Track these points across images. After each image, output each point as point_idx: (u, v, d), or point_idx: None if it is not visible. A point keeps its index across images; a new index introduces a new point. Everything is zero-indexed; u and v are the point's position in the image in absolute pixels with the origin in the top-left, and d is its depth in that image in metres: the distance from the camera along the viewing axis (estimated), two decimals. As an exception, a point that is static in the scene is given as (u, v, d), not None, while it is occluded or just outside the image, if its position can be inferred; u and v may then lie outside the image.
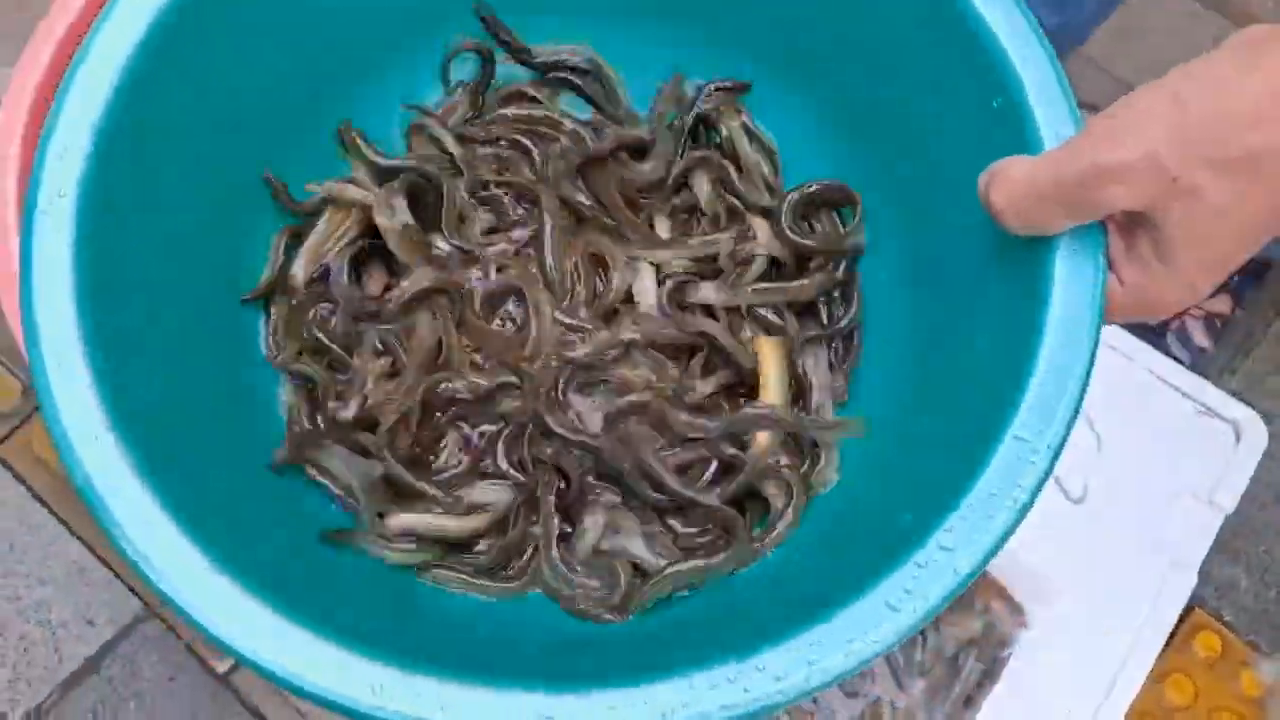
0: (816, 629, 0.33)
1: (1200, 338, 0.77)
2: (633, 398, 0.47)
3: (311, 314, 0.49)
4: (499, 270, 0.50)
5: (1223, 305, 0.76)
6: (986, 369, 0.40)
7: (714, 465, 0.47)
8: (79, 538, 0.90)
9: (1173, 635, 0.69)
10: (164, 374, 0.41)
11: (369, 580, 0.42)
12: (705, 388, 0.48)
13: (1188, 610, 0.70)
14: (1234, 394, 0.71)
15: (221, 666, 0.87)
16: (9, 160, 0.68)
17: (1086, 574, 0.67)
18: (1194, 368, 0.74)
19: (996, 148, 0.40)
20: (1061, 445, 0.36)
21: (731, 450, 0.46)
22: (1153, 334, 0.74)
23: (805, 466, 0.47)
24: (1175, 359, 0.73)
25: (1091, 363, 0.37)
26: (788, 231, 0.51)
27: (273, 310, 0.49)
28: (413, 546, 0.44)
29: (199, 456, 0.40)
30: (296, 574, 0.38)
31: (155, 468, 0.36)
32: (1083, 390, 0.37)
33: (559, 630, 0.42)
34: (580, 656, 0.39)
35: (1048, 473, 0.36)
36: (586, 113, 0.56)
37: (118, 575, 0.90)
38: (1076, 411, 0.37)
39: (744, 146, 0.54)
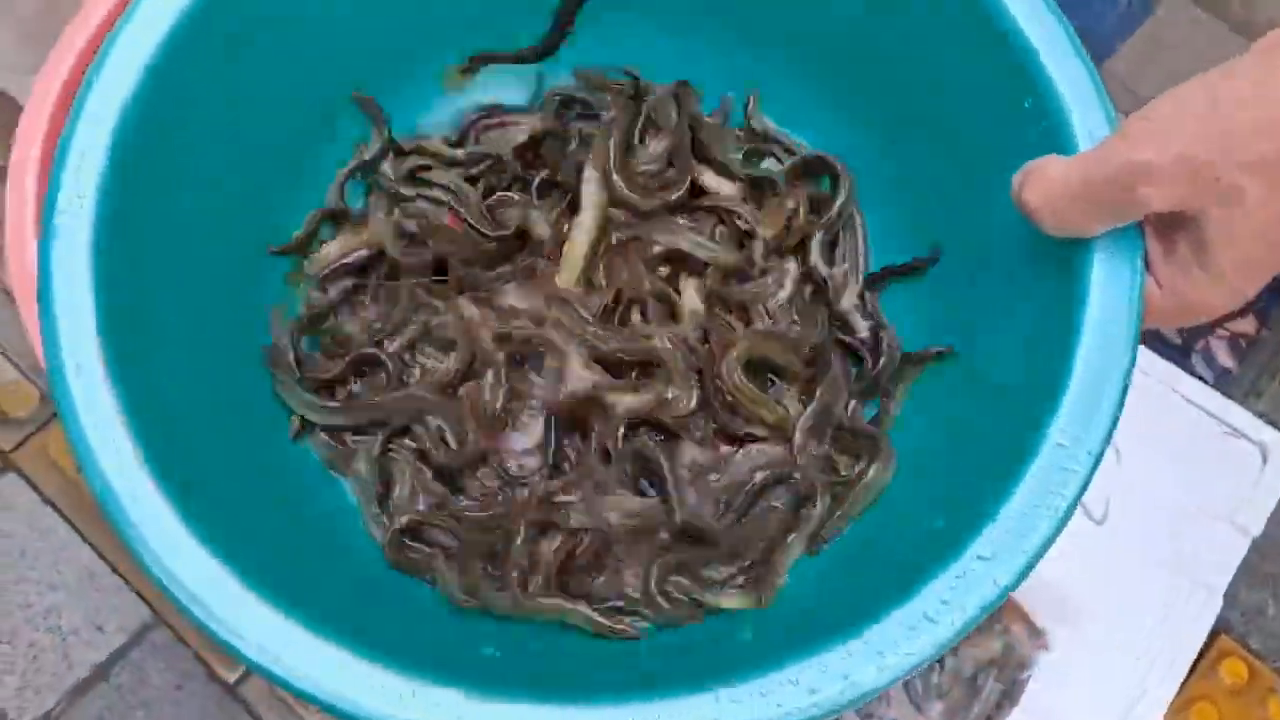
0: (851, 641, 0.31)
1: (1225, 358, 0.74)
2: None
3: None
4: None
5: (1248, 325, 0.74)
6: (1021, 373, 0.37)
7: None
8: (90, 543, 0.88)
9: (1197, 661, 0.66)
10: (185, 378, 0.39)
11: (387, 588, 0.40)
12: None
13: (1213, 636, 0.67)
14: (1260, 415, 0.69)
15: (230, 676, 0.85)
16: (30, 163, 0.67)
17: (1108, 596, 0.65)
18: (1218, 388, 0.71)
19: (1030, 148, 0.38)
20: (1102, 452, 0.34)
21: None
22: (1177, 353, 0.72)
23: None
24: (1200, 379, 0.70)
25: (1131, 367, 0.35)
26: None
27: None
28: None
29: (222, 469, 0.38)
30: (331, 592, 0.36)
31: (176, 479, 0.34)
32: (1123, 395, 0.35)
33: (586, 645, 0.39)
34: (607, 671, 0.37)
35: (1088, 480, 0.33)
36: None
37: (127, 582, 0.88)
38: (1117, 417, 0.34)
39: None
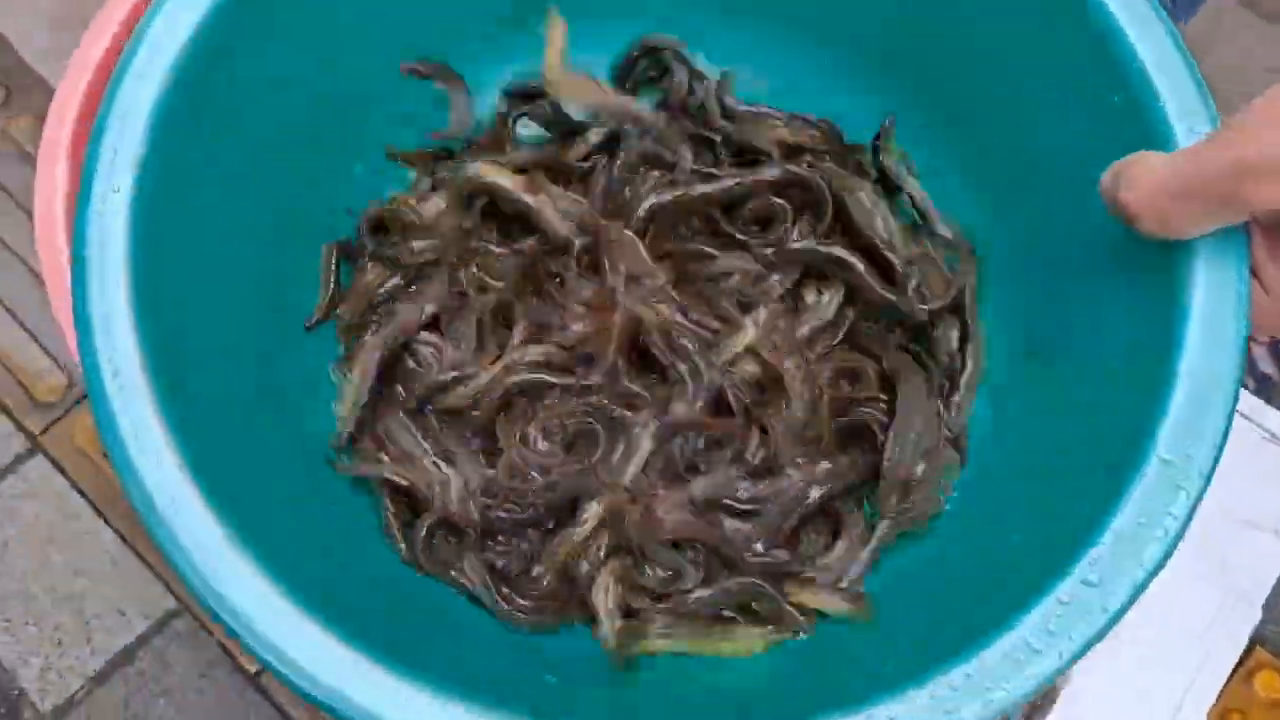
0: (952, 673, 0.28)
1: (1266, 364, 0.71)
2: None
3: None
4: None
5: (1290, 332, 0.71)
6: (1117, 385, 0.34)
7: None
8: (115, 529, 0.86)
9: (1232, 673, 0.64)
10: (223, 386, 0.36)
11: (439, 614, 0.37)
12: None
13: (1249, 648, 0.64)
14: (1302, 424, 0.66)
15: (252, 666, 0.82)
16: (61, 146, 0.65)
17: (1142, 606, 0.62)
18: (1258, 394, 0.68)
19: (1120, 144, 0.35)
20: (1213, 469, 0.31)
21: None
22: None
23: None
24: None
25: (1240, 378, 0.32)
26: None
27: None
28: None
29: (267, 482, 0.35)
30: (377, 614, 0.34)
31: (221, 493, 0.31)
32: (1232, 408, 0.32)
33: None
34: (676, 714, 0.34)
35: (1199, 498, 0.30)
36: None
37: (151, 568, 0.85)
38: (1227, 431, 0.31)
39: None
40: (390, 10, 0.45)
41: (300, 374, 0.41)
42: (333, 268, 0.44)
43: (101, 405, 0.31)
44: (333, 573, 0.33)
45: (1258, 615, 0.63)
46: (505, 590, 0.38)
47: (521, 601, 0.38)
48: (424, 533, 0.39)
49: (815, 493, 0.40)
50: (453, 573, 0.38)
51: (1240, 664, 0.64)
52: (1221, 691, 0.62)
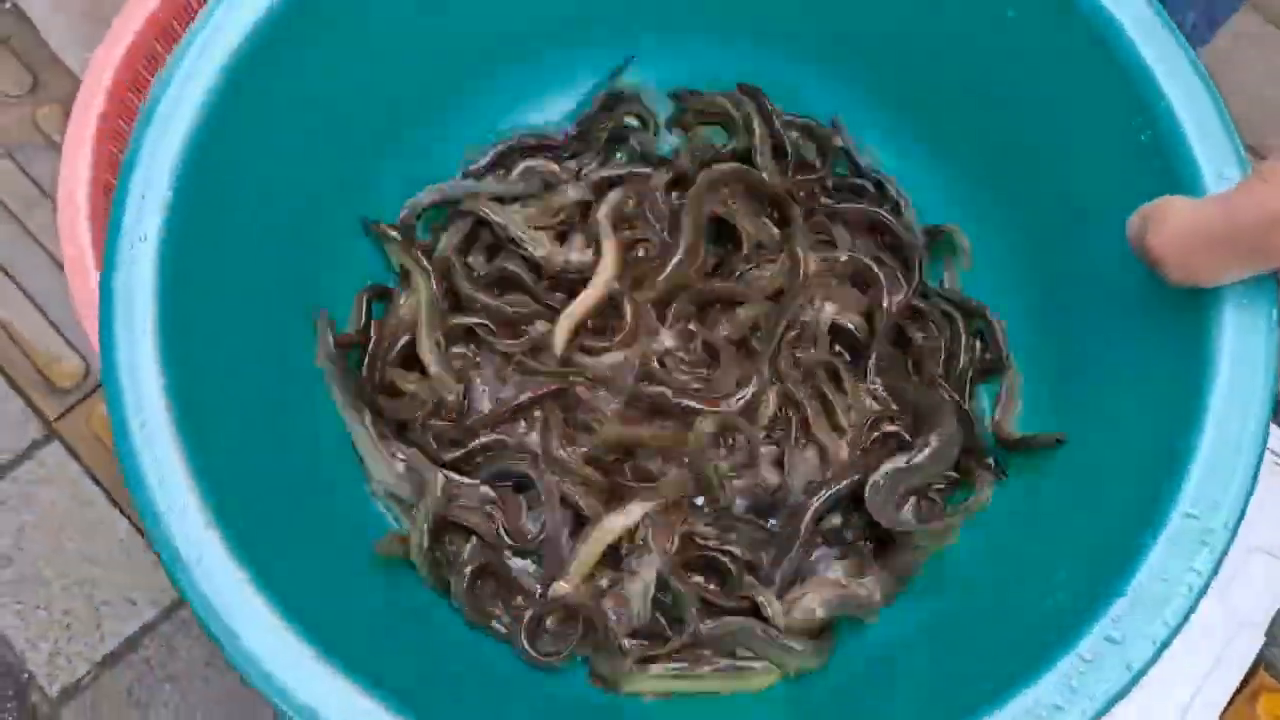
0: None
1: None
2: None
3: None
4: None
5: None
6: (1141, 437, 0.33)
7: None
8: (127, 516, 0.85)
9: (1235, 695, 0.63)
10: (247, 434, 0.36)
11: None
12: None
13: (1252, 670, 0.64)
14: (1312, 448, 0.65)
15: (261, 656, 0.82)
16: (85, 142, 0.64)
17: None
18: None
19: (1144, 188, 0.34)
20: (1238, 524, 0.30)
21: None
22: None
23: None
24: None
25: (1267, 431, 0.31)
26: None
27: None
28: None
29: (293, 529, 0.35)
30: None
31: (248, 542, 0.31)
32: (1258, 462, 0.31)
33: None
34: None
35: (1224, 553, 0.29)
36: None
37: (161, 557, 0.84)
38: (1253, 486, 0.30)
39: None
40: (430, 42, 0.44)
41: (322, 420, 0.41)
42: (363, 310, 0.43)
43: (129, 457, 0.32)
44: (354, 618, 0.33)
45: (1261, 639, 0.63)
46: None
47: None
48: (466, 582, 0.38)
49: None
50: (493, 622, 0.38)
51: (1243, 686, 0.63)
52: (1224, 714, 0.61)
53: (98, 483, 0.86)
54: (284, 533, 0.34)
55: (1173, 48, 0.37)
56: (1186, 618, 0.29)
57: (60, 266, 0.89)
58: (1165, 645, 0.29)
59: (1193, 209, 0.32)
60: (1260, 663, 0.65)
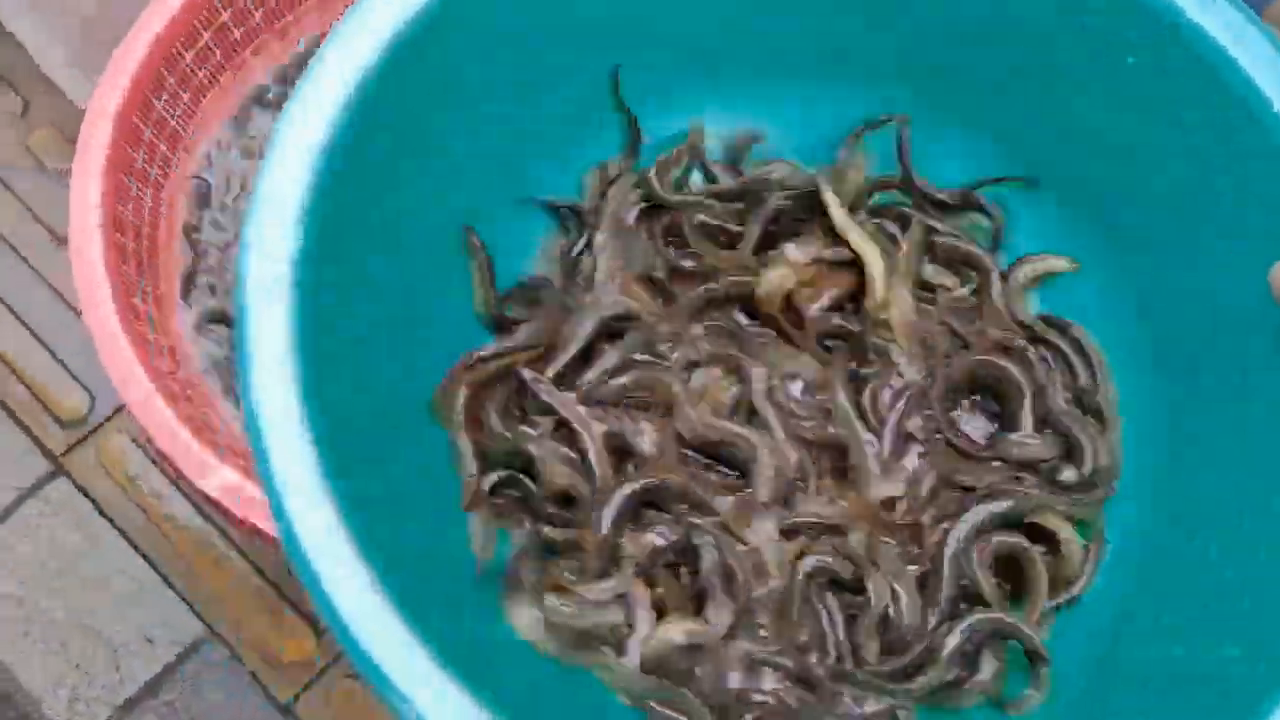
0: None
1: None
2: None
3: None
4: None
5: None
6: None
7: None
8: (141, 553, 0.81)
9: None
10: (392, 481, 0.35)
11: None
12: None
13: None
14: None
15: (283, 696, 0.78)
16: (92, 176, 0.61)
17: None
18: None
19: None
20: None
21: None
22: None
23: None
24: None
25: None
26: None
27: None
28: None
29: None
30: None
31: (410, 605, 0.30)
32: None
33: None
34: None
35: None
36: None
37: (179, 594, 0.80)
38: None
39: None
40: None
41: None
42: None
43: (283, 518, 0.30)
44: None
45: None
46: None
47: None
48: None
49: None
50: None
51: None
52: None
53: (108, 518, 0.82)
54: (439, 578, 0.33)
55: None
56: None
57: (59, 295, 0.84)
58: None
59: None
60: None
